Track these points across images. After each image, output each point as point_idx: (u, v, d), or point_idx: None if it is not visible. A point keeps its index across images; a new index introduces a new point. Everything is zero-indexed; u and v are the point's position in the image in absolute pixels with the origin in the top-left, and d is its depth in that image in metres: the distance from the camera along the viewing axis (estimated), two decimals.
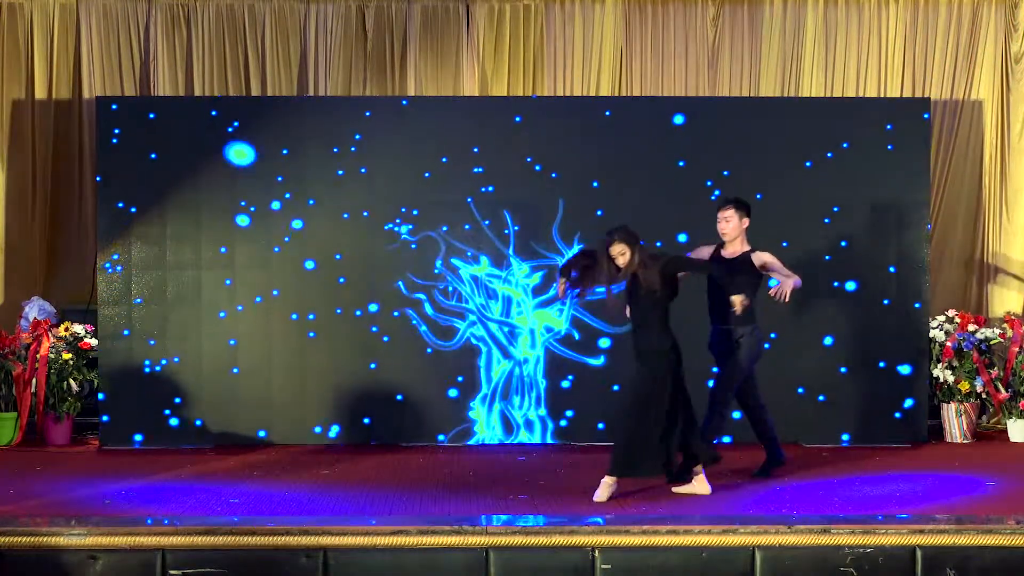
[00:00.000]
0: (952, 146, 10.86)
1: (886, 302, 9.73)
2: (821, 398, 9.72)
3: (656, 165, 9.71)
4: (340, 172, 9.67)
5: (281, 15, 10.75)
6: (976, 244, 10.94)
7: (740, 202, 8.22)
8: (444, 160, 9.69)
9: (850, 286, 9.72)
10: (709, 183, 9.69)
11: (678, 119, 9.72)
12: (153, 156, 9.58)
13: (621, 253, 7.62)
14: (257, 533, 6.33)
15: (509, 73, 10.79)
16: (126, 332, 9.54)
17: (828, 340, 9.71)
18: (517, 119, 9.75)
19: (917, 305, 9.75)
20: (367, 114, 9.73)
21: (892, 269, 9.74)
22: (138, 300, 9.57)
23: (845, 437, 9.67)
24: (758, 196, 9.64)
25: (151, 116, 9.67)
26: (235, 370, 9.63)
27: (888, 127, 9.75)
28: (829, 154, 9.72)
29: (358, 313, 9.66)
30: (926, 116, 9.81)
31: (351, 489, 7.83)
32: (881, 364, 9.70)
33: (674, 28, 10.86)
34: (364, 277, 9.68)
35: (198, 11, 10.73)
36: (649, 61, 10.86)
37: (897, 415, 9.70)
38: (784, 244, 9.68)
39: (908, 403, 9.70)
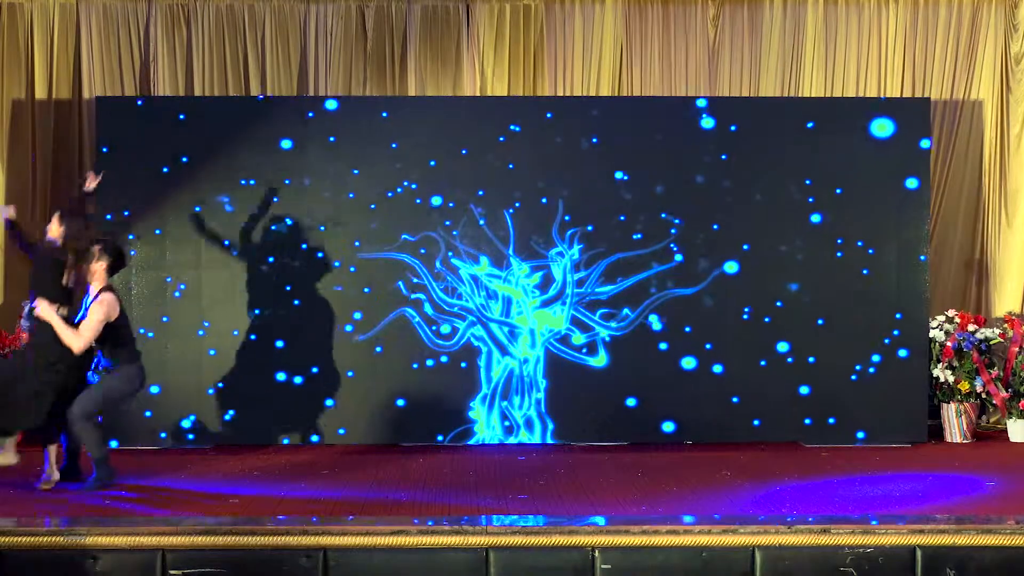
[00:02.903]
0: (952, 146, 10.86)
1: (886, 302, 9.72)
2: (820, 398, 9.72)
3: (655, 165, 9.71)
4: (339, 172, 9.67)
5: (281, 15, 10.75)
6: (976, 244, 10.94)
7: (105, 243, 8.02)
8: (444, 160, 9.69)
9: (849, 286, 9.72)
10: (706, 181, 9.70)
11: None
12: (152, 156, 9.58)
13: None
14: (257, 533, 6.33)
15: (509, 73, 10.79)
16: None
17: (827, 340, 9.71)
18: (517, 119, 9.75)
19: (917, 305, 9.75)
20: (366, 113, 9.73)
21: (892, 269, 9.74)
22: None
23: (844, 437, 9.67)
24: (757, 197, 9.70)
25: (151, 116, 9.68)
26: (235, 370, 9.63)
27: (888, 127, 9.75)
28: (829, 154, 9.72)
29: (358, 314, 9.66)
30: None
31: (351, 489, 7.83)
32: (881, 364, 9.69)
33: (674, 28, 10.86)
34: (364, 277, 9.68)
35: (198, 11, 10.73)
36: (649, 61, 10.86)
37: (897, 415, 9.69)
38: (783, 248, 9.72)
39: (908, 403, 9.71)
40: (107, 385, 7.97)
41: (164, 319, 9.62)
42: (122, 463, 8.78)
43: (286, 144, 9.66)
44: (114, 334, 7.93)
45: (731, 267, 9.70)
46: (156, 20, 10.70)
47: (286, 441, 9.62)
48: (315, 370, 9.66)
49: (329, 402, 9.67)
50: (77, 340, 7.82)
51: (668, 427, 9.67)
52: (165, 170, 9.60)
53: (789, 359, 9.69)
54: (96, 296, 7.88)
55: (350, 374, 9.68)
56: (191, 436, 9.59)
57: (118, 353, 7.98)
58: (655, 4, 10.85)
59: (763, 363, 9.70)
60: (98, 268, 7.94)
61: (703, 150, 9.71)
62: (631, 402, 9.68)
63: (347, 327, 9.67)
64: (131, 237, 9.59)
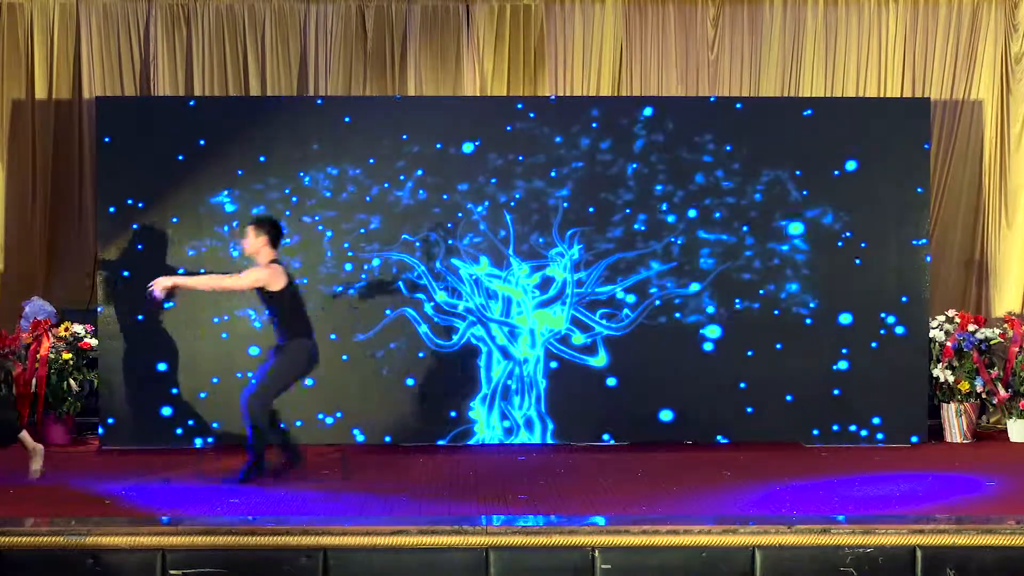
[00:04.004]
0: (952, 146, 10.87)
1: (886, 301, 9.72)
2: (820, 398, 9.71)
3: (655, 164, 9.71)
4: (338, 171, 9.68)
5: (281, 15, 10.75)
6: (976, 244, 10.94)
7: (258, 221, 8.37)
8: (445, 159, 9.69)
9: (849, 285, 9.72)
10: (706, 180, 9.71)
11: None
12: (153, 156, 9.59)
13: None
14: (257, 533, 6.33)
15: (509, 73, 10.79)
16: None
17: (827, 339, 9.71)
18: (517, 118, 9.74)
19: (917, 305, 9.75)
20: (367, 114, 9.74)
21: (892, 268, 9.74)
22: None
23: (844, 437, 9.67)
24: (756, 196, 9.71)
25: (151, 116, 9.69)
26: (235, 370, 9.63)
27: (888, 127, 9.76)
28: (829, 154, 9.72)
29: (355, 310, 9.66)
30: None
31: (351, 489, 7.83)
32: (881, 364, 9.69)
33: (674, 28, 10.87)
34: (363, 277, 9.68)
35: (198, 11, 10.73)
36: (649, 61, 10.87)
37: (897, 415, 9.69)
38: (784, 247, 9.73)
39: (908, 403, 9.71)
40: (276, 368, 8.19)
41: (165, 315, 9.61)
42: (122, 463, 8.80)
43: (286, 144, 9.66)
44: (279, 305, 8.16)
45: (731, 267, 9.70)
46: (156, 20, 10.71)
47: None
48: (315, 369, 9.66)
49: (328, 402, 9.67)
50: (233, 280, 8.24)
51: (666, 415, 9.65)
52: (166, 167, 9.60)
53: (789, 359, 9.69)
54: (263, 271, 8.16)
55: (349, 373, 9.68)
56: (192, 436, 9.58)
57: (286, 325, 8.20)
58: (655, 4, 10.86)
59: (763, 363, 9.69)
60: (259, 245, 8.20)
61: (703, 149, 9.71)
62: (631, 402, 9.68)
63: (346, 326, 9.66)
64: (134, 227, 9.59)
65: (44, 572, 6.23)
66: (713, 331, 9.70)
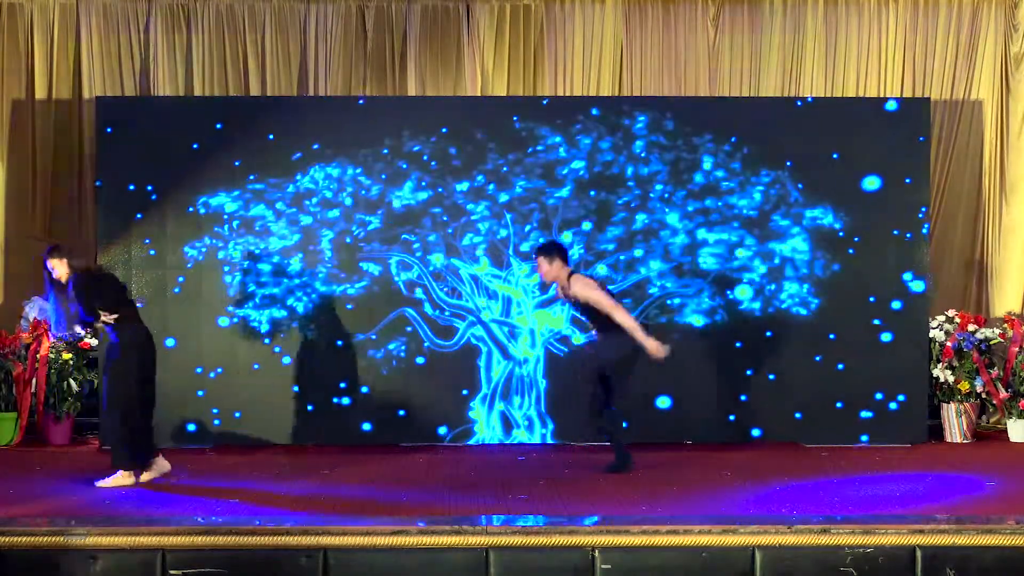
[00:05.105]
0: (952, 146, 10.87)
1: (886, 302, 9.72)
2: (820, 398, 9.72)
3: (655, 164, 9.72)
4: (338, 171, 9.68)
5: (281, 15, 10.75)
6: (976, 244, 10.94)
7: (544, 248, 8.52)
8: (445, 159, 9.70)
9: (849, 286, 9.72)
10: (706, 180, 9.71)
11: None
12: (153, 156, 9.59)
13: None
14: (257, 533, 6.33)
15: (509, 73, 10.79)
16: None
17: (827, 340, 9.71)
18: (517, 119, 9.75)
19: (917, 305, 9.74)
20: (367, 113, 9.74)
21: (892, 268, 9.74)
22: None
23: (844, 437, 9.67)
24: (756, 196, 9.71)
25: (151, 116, 9.70)
26: (234, 370, 9.63)
27: (888, 127, 9.76)
28: (829, 154, 9.73)
29: (358, 314, 9.66)
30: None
31: (351, 489, 7.83)
32: (881, 364, 9.69)
33: (674, 28, 10.86)
34: (363, 276, 9.68)
35: (198, 11, 10.73)
36: (649, 61, 10.87)
37: (897, 415, 9.70)
38: (784, 247, 9.73)
39: (908, 403, 9.71)
40: (600, 357, 8.45)
41: (165, 317, 9.61)
42: None
43: (286, 144, 9.67)
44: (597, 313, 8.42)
45: (731, 267, 9.70)
46: (156, 20, 10.71)
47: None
48: (315, 370, 9.67)
49: (327, 401, 9.67)
50: (623, 315, 8.34)
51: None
52: (166, 167, 9.60)
53: (789, 358, 9.69)
54: (581, 283, 8.35)
55: (348, 373, 9.68)
56: (192, 436, 9.59)
57: (602, 326, 8.42)
58: (655, 4, 10.85)
59: (763, 363, 9.69)
60: (557, 269, 8.39)
61: (703, 148, 9.71)
62: (631, 402, 9.66)
63: (347, 327, 9.67)
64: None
65: (44, 572, 6.23)
66: (713, 330, 9.70)
